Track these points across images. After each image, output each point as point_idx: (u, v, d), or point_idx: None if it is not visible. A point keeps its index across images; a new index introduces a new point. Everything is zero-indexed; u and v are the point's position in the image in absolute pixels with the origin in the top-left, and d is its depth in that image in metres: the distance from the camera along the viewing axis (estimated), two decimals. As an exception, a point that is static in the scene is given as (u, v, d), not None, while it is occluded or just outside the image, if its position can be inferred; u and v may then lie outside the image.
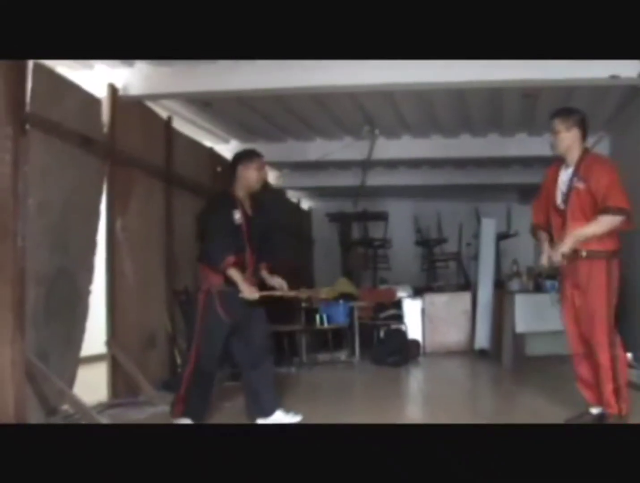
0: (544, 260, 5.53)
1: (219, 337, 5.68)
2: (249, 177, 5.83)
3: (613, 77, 6.59)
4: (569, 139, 5.21)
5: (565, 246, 5.15)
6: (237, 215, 5.68)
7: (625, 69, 6.61)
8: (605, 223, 5.05)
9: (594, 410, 5.34)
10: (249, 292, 5.53)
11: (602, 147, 10.76)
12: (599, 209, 5.04)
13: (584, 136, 5.29)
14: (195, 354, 5.62)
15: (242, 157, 5.92)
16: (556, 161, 5.47)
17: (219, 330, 5.66)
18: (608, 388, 5.11)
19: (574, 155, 5.23)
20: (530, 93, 8.52)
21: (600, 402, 5.29)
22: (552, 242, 5.45)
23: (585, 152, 5.28)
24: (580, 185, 5.14)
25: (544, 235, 5.59)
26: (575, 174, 5.20)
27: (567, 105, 8.77)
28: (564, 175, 5.30)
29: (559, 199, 5.30)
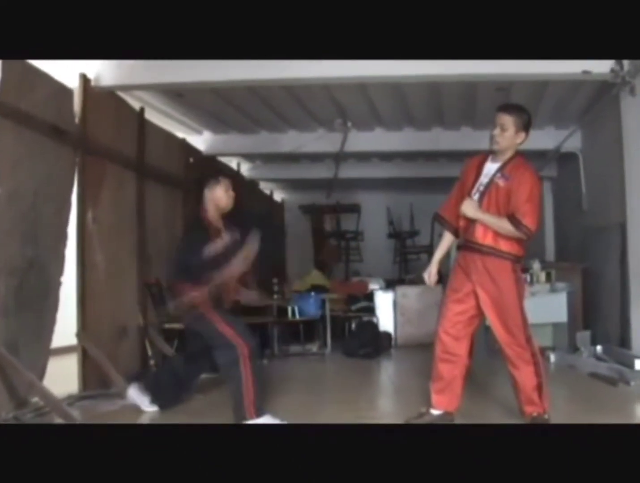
0: (426, 278, 5.60)
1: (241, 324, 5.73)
2: (216, 199, 5.81)
3: (585, 72, 6.64)
4: (512, 140, 5.13)
5: (475, 211, 5.14)
6: (212, 247, 5.62)
7: (598, 65, 6.66)
8: (506, 228, 5.04)
9: (435, 412, 5.35)
10: None
11: (573, 140, 10.86)
12: (509, 212, 5.03)
13: (524, 140, 5.21)
14: (244, 343, 5.42)
15: (208, 179, 5.88)
16: (482, 154, 5.41)
17: (237, 319, 5.75)
18: (530, 385, 5.11)
19: (507, 154, 5.18)
20: (503, 87, 8.55)
21: (450, 406, 5.34)
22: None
23: (517, 153, 5.22)
24: (501, 181, 5.11)
25: (445, 241, 5.65)
26: (500, 170, 5.15)
27: (539, 99, 8.89)
28: (489, 168, 5.24)
29: (475, 189, 5.24)
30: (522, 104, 5.48)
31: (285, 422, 5.37)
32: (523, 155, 5.27)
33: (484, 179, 5.23)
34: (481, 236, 5.15)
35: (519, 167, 5.14)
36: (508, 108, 5.25)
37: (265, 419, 5.34)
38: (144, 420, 5.97)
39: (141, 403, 6.18)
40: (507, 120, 5.11)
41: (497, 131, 5.13)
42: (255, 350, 5.55)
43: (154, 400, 6.18)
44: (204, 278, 5.48)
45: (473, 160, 5.44)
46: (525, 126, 5.17)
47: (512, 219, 4.99)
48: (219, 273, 5.48)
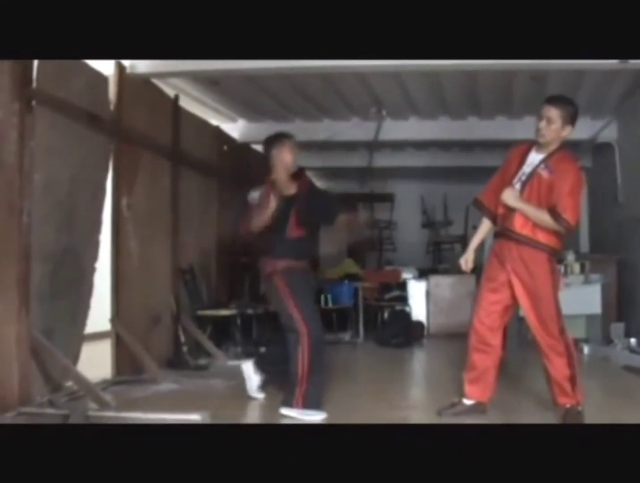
0: (463, 264, 5.59)
1: (313, 306, 5.74)
2: (284, 159, 5.75)
3: (622, 61, 6.55)
4: (558, 133, 5.07)
5: (515, 200, 5.10)
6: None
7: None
8: (545, 220, 5.00)
9: (467, 402, 5.37)
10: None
11: (609, 131, 10.76)
12: (550, 205, 4.99)
13: (569, 133, 5.15)
14: (306, 328, 5.40)
15: (274, 140, 5.84)
16: (527, 143, 5.35)
17: (310, 299, 5.74)
18: (563, 376, 5.08)
19: (552, 146, 5.12)
20: (539, 76, 8.48)
21: (482, 396, 5.36)
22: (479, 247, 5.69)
23: (562, 145, 5.16)
24: (545, 173, 5.06)
25: (483, 227, 5.61)
26: (544, 161, 5.10)
27: (575, 89, 8.80)
28: (533, 158, 5.18)
29: (516, 178, 5.20)
30: (569, 96, 5.43)
31: (326, 417, 5.35)
32: (568, 149, 5.23)
33: (526, 168, 5.18)
34: (520, 226, 5.12)
35: (563, 160, 5.09)
36: (555, 100, 5.16)
37: (311, 413, 5.33)
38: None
39: (250, 382, 6.12)
40: (554, 113, 5.03)
41: (543, 124, 5.06)
42: (318, 341, 5.50)
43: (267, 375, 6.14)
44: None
45: (517, 149, 5.38)
46: (572, 119, 5.11)
47: (553, 211, 4.95)
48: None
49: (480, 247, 5.78)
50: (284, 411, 5.41)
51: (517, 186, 5.16)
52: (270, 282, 5.65)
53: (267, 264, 5.64)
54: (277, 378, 6.07)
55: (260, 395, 6.14)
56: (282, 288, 5.54)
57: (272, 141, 5.84)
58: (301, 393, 5.35)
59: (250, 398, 6.11)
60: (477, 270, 5.95)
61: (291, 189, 5.74)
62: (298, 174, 5.85)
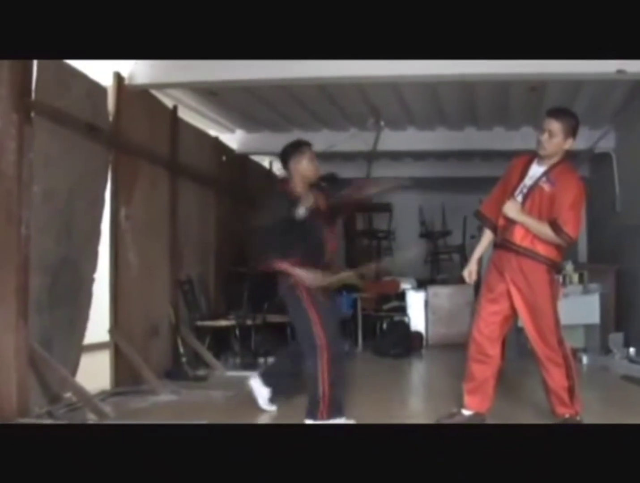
0: (466, 276, 5.52)
1: (333, 321, 5.58)
2: (302, 170, 5.64)
3: (620, 71, 6.56)
4: (560, 146, 5.10)
5: (517, 213, 5.10)
6: (301, 211, 5.44)
7: (632, 64, 6.57)
8: (546, 233, 5.02)
9: (466, 412, 5.36)
10: (314, 280, 5.38)
11: (607, 141, 10.76)
12: (551, 218, 5.00)
13: (571, 146, 5.18)
14: (325, 342, 5.28)
15: (291, 151, 5.69)
16: (528, 154, 5.36)
17: (330, 314, 5.54)
18: (561, 387, 5.09)
19: (554, 158, 5.14)
20: (536, 86, 8.49)
21: (481, 407, 5.34)
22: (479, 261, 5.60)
23: (564, 158, 5.19)
24: (546, 186, 5.07)
25: (485, 238, 5.57)
26: (546, 174, 5.12)
27: (573, 99, 8.81)
28: (535, 170, 5.19)
29: (518, 191, 5.20)
30: (569, 109, 5.45)
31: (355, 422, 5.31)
32: (569, 161, 5.24)
33: (528, 181, 5.19)
34: (520, 238, 5.13)
35: (565, 173, 5.12)
36: (557, 114, 5.17)
37: (337, 421, 5.30)
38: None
39: (259, 397, 6.06)
40: (556, 126, 5.06)
41: (544, 137, 5.08)
42: (337, 354, 5.39)
43: (275, 389, 6.06)
44: (299, 250, 5.42)
45: (519, 160, 5.38)
46: (574, 131, 5.15)
47: (554, 224, 4.97)
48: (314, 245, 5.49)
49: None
50: (310, 422, 5.32)
51: (519, 198, 5.16)
52: (291, 292, 5.49)
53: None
54: (285, 390, 6.11)
55: (272, 408, 6.10)
56: (307, 300, 5.41)
57: (289, 151, 5.71)
58: (325, 407, 5.26)
59: (264, 411, 6.07)
60: (477, 281, 5.94)
61: (310, 200, 5.56)
62: (316, 185, 5.75)
